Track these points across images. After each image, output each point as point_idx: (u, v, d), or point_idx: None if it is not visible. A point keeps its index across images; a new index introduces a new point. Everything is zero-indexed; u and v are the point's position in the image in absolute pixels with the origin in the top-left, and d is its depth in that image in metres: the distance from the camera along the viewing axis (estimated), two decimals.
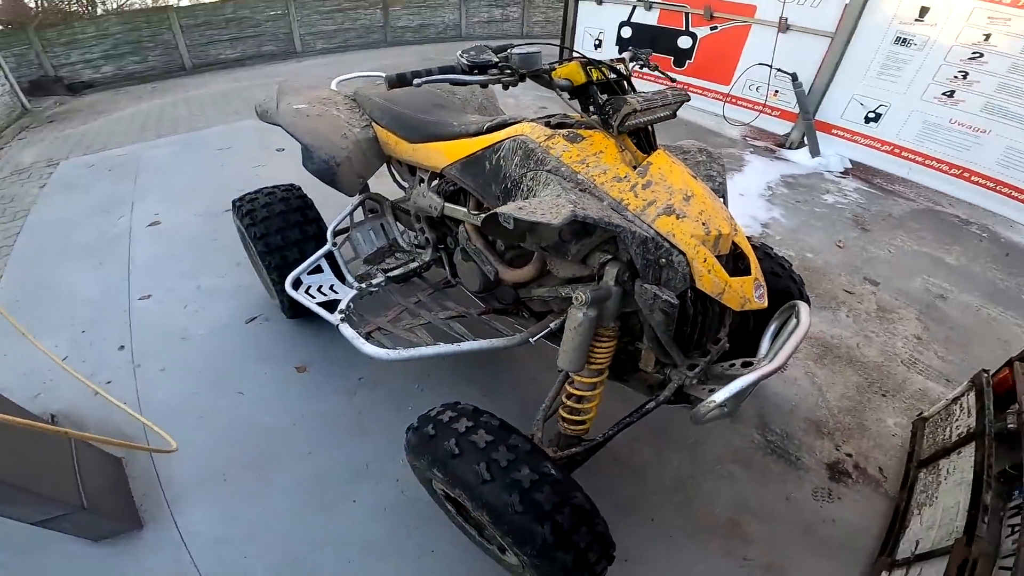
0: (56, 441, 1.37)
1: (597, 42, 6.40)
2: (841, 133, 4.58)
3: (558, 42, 6.68)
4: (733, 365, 1.43)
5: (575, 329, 1.16)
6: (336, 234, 2.09)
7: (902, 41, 4.01)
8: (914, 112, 4.08)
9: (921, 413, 2.00)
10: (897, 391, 2.19)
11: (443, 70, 1.22)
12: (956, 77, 3.79)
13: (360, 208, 2.26)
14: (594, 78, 1.22)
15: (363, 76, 2.55)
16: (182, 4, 11.54)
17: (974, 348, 2.48)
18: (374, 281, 1.99)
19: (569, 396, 1.34)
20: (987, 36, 3.57)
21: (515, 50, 1.22)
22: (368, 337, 1.74)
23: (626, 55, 1.47)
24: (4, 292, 2.70)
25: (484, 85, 1.25)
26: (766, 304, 1.23)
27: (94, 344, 2.34)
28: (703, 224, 1.14)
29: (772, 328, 1.46)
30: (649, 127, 1.24)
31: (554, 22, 11.35)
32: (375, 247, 2.22)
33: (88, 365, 2.20)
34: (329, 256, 2.06)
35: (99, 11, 12.86)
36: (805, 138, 4.71)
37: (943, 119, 3.94)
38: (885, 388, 2.21)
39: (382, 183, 2.26)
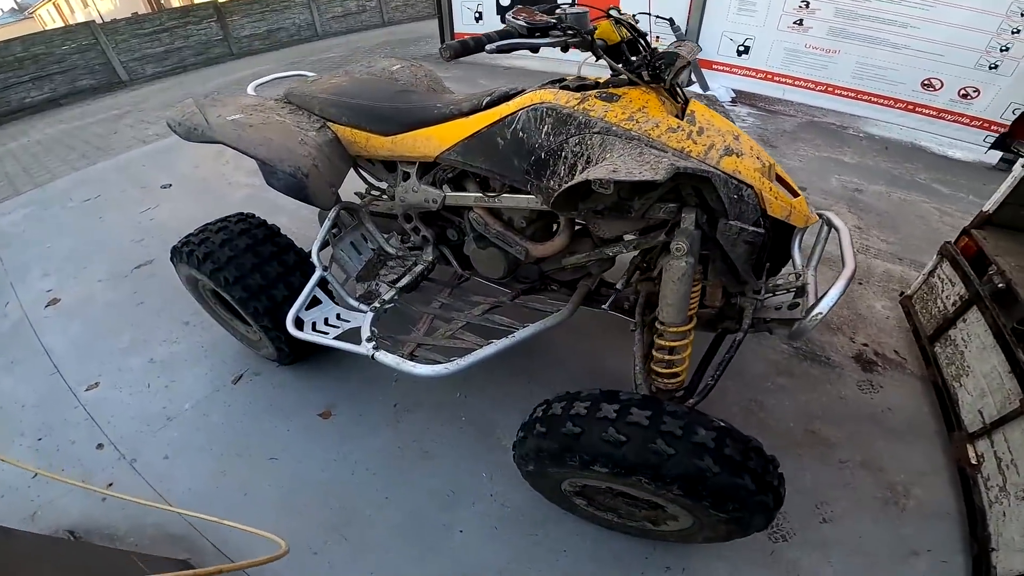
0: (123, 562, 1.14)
1: (477, 14, 6.30)
2: (720, 67, 5.03)
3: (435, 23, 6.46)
4: (778, 285, 1.52)
5: (679, 280, 1.16)
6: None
7: None
8: (775, 42, 4.59)
9: (903, 293, 2.25)
10: (868, 277, 2.49)
11: (502, 35, 1.14)
12: (800, 7, 4.30)
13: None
14: (624, 36, 1.24)
15: (283, 77, 2.27)
16: None
17: (902, 227, 2.89)
18: (385, 297, 1.79)
19: (660, 349, 1.32)
20: None
21: (569, 10, 1.18)
22: (412, 357, 1.57)
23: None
24: None
25: (535, 50, 1.19)
26: (818, 218, 1.34)
27: (62, 449, 1.91)
28: (757, 158, 1.20)
29: (797, 242, 1.55)
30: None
31: (414, 5, 10.98)
32: (363, 261, 1.98)
33: (73, 473, 1.81)
34: (322, 283, 1.80)
35: None
36: (693, 75, 5.09)
37: (799, 45, 4.47)
38: (858, 277, 2.48)
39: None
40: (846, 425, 1.79)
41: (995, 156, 3.79)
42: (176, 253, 1.85)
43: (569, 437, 1.09)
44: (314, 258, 1.77)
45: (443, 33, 6.60)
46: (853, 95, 4.39)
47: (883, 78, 4.15)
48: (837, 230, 1.40)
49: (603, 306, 1.50)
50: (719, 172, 1.08)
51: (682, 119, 1.19)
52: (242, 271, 1.74)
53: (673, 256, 1.13)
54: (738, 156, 1.14)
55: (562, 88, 1.31)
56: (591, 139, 1.19)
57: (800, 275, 1.50)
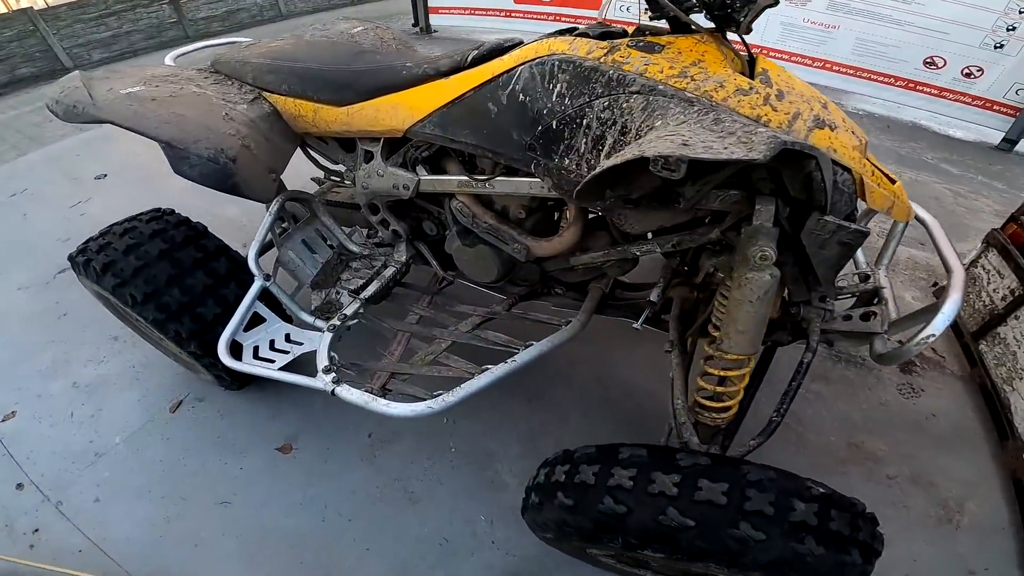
0: None
1: None
2: None
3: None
4: (840, 288, 1.29)
5: (760, 299, 0.85)
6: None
7: None
8: (771, 15, 4.33)
9: (936, 283, 2.05)
10: (893, 265, 2.28)
11: None
12: None
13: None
14: None
15: (212, 45, 1.92)
16: None
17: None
18: (347, 311, 1.44)
19: (709, 378, 1.03)
20: None
21: None
22: (385, 393, 1.26)
23: None
24: None
25: None
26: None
27: None
28: (852, 133, 0.92)
29: None
30: None
31: None
32: (319, 265, 1.61)
33: None
34: (266, 295, 1.46)
35: None
36: None
37: (798, 19, 4.24)
38: (879, 262, 2.27)
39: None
40: (890, 435, 1.62)
41: (998, 136, 3.65)
42: (74, 264, 1.47)
43: (610, 516, 0.80)
44: (251, 264, 1.41)
45: (416, 8, 6.17)
46: (852, 72, 4.21)
47: (884, 55, 3.96)
48: (926, 225, 1.14)
49: (635, 325, 1.19)
50: (823, 152, 0.80)
51: (752, 79, 0.90)
52: (155, 285, 1.39)
53: (754, 266, 0.83)
54: (831, 129, 0.85)
55: (579, 36, 1.00)
56: (628, 101, 0.88)
57: (869, 276, 1.24)
